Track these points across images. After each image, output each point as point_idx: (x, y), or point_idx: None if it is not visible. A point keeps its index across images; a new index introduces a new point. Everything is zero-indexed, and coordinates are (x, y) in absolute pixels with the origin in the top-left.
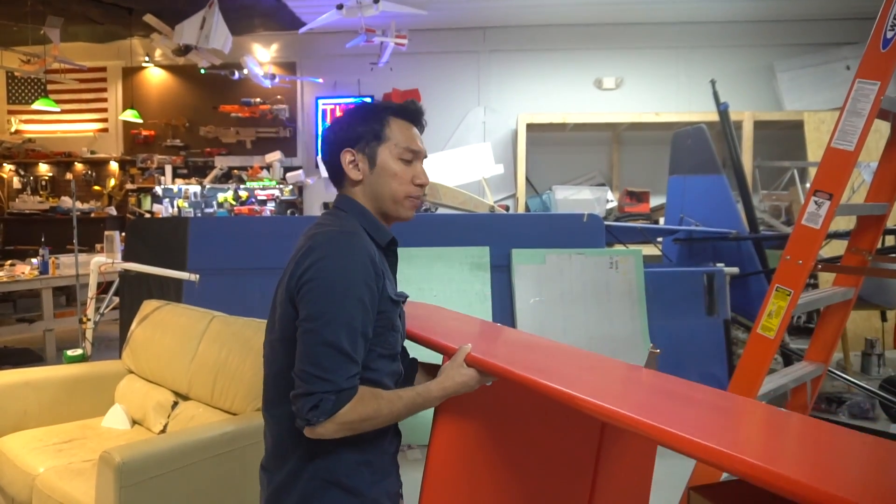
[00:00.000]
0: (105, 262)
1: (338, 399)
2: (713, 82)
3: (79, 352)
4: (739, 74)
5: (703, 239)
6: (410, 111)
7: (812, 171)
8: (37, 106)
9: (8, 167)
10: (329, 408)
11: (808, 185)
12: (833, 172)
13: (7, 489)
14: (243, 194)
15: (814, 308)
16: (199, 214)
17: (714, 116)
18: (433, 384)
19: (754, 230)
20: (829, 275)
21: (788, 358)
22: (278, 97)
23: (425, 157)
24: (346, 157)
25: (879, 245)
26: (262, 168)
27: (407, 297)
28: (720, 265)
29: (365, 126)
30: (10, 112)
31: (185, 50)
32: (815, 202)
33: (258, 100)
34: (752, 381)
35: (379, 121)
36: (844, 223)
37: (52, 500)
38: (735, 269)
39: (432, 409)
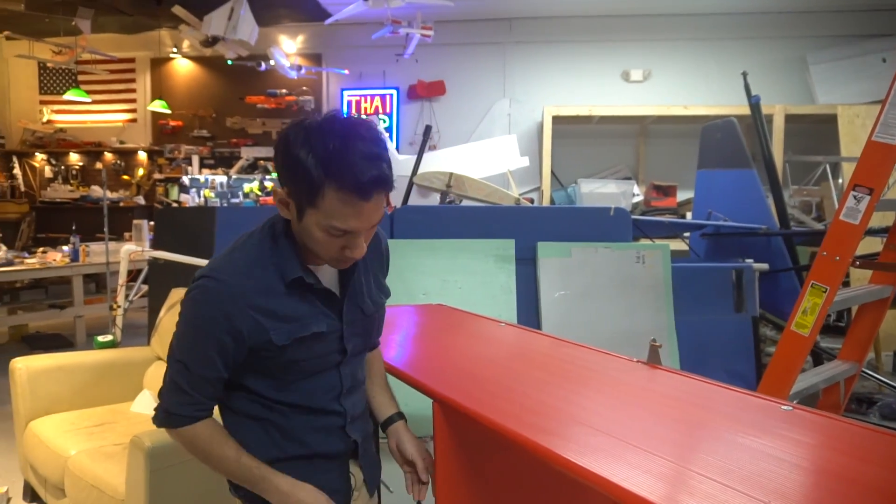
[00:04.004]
0: (134, 250)
1: (167, 419)
2: (744, 74)
3: (109, 338)
4: (771, 66)
5: (731, 234)
6: (360, 188)
7: (845, 166)
8: (68, 96)
9: (40, 157)
10: (159, 420)
11: (840, 180)
12: (874, 166)
13: (40, 470)
14: (269, 185)
15: (849, 306)
16: (226, 204)
17: (744, 110)
18: (283, 483)
19: (785, 226)
20: (862, 272)
21: (818, 357)
22: (304, 88)
23: (370, 227)
24: (281, 193)
25: None
26: None
27: (322, 332)
28: (749, 261)
29: (299, 185)
30: (43, 102)
31: (212, 41)
32: (855, 197)
33: (284, 91)
34: (785, 379)
35: (315, 188)
36: (879, 219)
37: (84, 481)
38: (765, 266)
39: (430, 403)
